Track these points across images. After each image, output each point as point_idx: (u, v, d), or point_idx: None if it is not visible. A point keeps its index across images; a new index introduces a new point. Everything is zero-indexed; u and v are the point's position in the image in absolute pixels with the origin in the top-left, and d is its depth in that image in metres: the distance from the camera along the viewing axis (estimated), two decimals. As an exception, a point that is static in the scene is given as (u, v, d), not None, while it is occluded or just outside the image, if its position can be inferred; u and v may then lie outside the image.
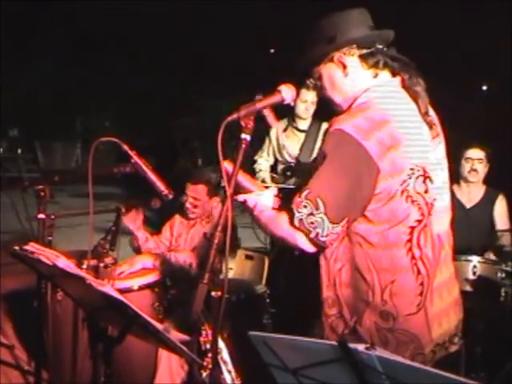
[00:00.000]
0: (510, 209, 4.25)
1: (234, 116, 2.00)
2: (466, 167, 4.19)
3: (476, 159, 4.18)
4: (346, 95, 2.09)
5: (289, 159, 4.70)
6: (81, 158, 14.38)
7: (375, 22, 2.14)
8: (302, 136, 4.67)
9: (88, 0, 12.71)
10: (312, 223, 1.90)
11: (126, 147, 2.50)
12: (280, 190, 2.32)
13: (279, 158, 4.78)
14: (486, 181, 4.28)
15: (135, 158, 2.52)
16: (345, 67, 2.06)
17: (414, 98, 2.03)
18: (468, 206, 4.22)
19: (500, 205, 4.21)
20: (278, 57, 11.75)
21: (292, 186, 4.21)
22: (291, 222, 1.95)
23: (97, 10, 13.04)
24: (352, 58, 2.06)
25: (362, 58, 2.05)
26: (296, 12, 9.96)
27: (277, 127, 4.81)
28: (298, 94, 4.31)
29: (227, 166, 2.03)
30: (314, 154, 4.51)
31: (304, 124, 4.69)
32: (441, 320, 2.04)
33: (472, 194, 4.25)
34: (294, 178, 4.50)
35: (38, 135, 13.99)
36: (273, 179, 4.67)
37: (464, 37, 8.14)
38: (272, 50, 13.20)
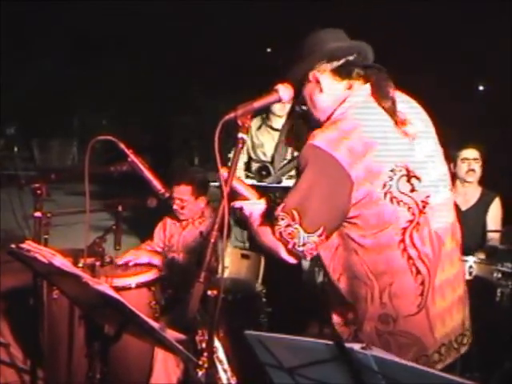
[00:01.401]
0: (505, 209, 4.24)
1: (231, 115, 2.02)
2: (463, 168, 4.18)
3: (472, 159, 4.18)
4: (326, 111, 2.12)
5: (263, 158, 4.69)
6: (77, 157, 14.37)
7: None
8: (276, 134, 4.67)
9: (88, 0, 12.70)
10: (289, 234, 1.96)
11: (122, 146, 2.50)
12: (258, 187, 2.34)
13: (253, 157, 4.74)
14: (482, 182, 4.27)
15: (132, 157, 2.52)
16: (318, 83, 2.10)
17: (381, 104, 2.03)
18: (464, 207, 4.21)
19: (494, 208, 4.20)
20: (276, 56, 11.73)
21: (274, 185, 4.23)
22: (273, 234, 2.00)
23: (97, 10, 13.04)
24: (325, 74, 2.10)
25: (334, 72, 2.09)
26: (296, 12, 9.95)
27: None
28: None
29: (224, 173, 2.05)
30: (289, 153, 4.54)
31: (279, 122, 4.68)
32: (444, 319, 2.03)
33: (468, 195, 4.24)
34: (270, 177, 4.49)
35: (36, 133, 13.97)
36: (247, 178, 4.65)
37: (464, 37, 8.14)
38: (269, 50, 13.17)
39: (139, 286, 3.27)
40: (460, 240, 2.16)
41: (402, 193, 1.96)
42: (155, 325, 1.98)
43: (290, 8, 10.59)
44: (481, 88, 8.75)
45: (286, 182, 4.28)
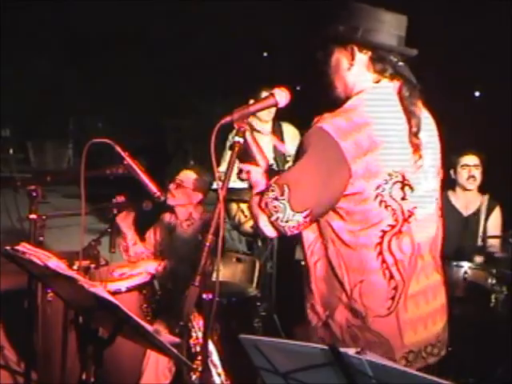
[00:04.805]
0: (505, 215, 4.24)
1: (228, 119, 2.02)
2: (463, 174, 4.16)
3: (473, 165, 4.16)
4: (346, 86, 2.09)
5: None
6: (72, 159, 14.35)
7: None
8: (267, 138, 4.63)
9: (88, 0, 12.70)
10: (275, 207, 1.93)
11: (118, 148, 2.50)
12: None
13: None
14: (482, 189, 4.26)
15: (128, 160, 2.52)
16: (353, 59, 2.06)
17: (407, 115, 2.01)
18: (465, 213, 4.20)
19: (495, 216, 4.19)
20: (275, 59, 11.72)
21: None
22: (259, 204, 1.98)
23: (96, 10, 13.04)
24: (363, 56, 2.05)
25: (372, 61, 2.04)
26: (295, 13, 9.94)
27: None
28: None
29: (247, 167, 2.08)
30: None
31: (266, 127, 4.64)
32: (416, 327, 2.03)
33: (468, 200, 4.23)
34: None
35: (31, 135, 13.94)
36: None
37: (464, 37, 8.11)
38: (265, 54, 13.17)
39: (130, 289, 3.27)
40: (437, 255, 2.14)
41: (393, 199, 1.97)
42: (149, 328, 1.98)
43: (289, 7, 10.58)
44: (477, 94, 8.73)
45: None
